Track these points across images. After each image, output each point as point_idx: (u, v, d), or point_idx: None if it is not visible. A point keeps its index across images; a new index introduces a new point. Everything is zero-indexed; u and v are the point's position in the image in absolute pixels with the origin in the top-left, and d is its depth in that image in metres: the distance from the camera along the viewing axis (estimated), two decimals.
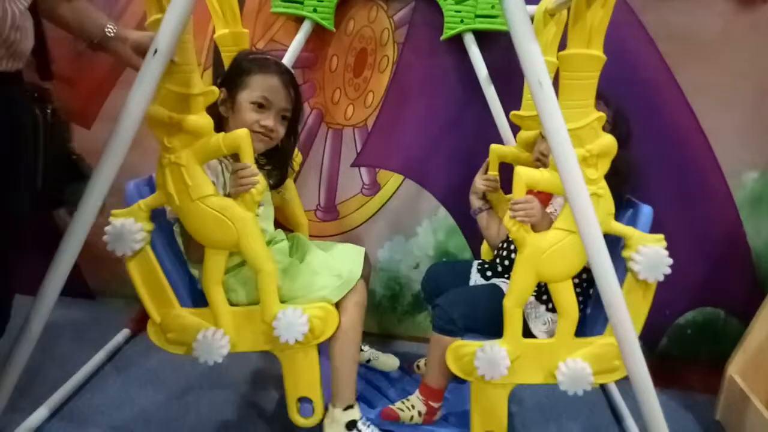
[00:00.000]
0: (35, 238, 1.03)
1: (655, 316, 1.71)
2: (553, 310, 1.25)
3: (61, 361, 1.63)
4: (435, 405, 1.34)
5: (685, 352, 1.78)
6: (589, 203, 0.87)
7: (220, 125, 1.19)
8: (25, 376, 1.15)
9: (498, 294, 1.25)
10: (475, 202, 1.49)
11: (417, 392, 1.36)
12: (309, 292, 1.23)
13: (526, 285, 1.12)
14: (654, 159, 1.63)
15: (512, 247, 1.38)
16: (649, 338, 1.75)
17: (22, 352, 1.07)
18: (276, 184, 1.37)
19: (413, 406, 1.35)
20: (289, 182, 1.48)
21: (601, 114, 1.02)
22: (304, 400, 1.28)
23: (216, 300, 1.17)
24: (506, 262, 1.38)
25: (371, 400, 1.46)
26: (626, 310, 0.94)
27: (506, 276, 1.36)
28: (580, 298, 1.19)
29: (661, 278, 1.10)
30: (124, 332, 1.80)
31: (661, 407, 1.04)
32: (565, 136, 0.83)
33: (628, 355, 0.96)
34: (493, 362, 1.15)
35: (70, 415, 1.46)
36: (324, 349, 1.28)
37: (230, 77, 1.25)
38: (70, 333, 1.78)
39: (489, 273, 1.41)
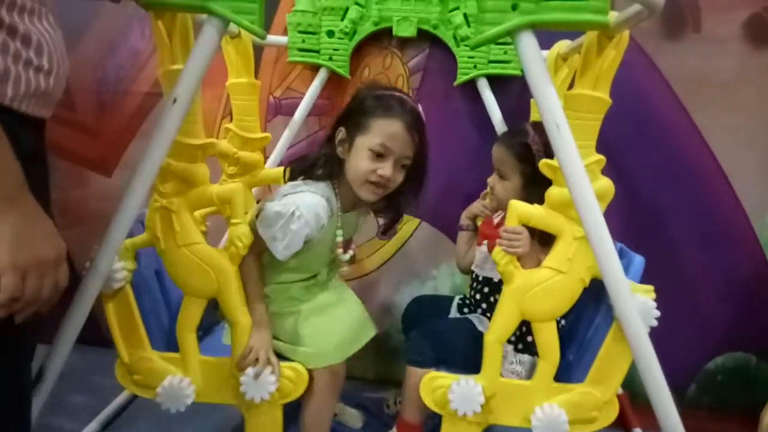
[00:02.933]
0: None
1: (685, 362, 1.67)
2: (522, 350, 1.24)
3: (74, 411, 1.61)
4: None
5: (715, 400, 1.71)
6: (612, 248, 0.84)
7: (337, 164, 1.18)
8: (37, 426, 1.13)
9: (469, 329, 1.26)
10: (464, 219, 1.48)
11: (394, 429, 1.32)
12: (294, 343, 1.18)
13: (510, 321, 1.09)
14: (676, 202, 1.61)
15: (482, 279, 1.36)
16: (677, 385, 1.68)
17: (35, 402, 1.05)
18: (383, 230, 1.30)
19: None
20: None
21: (601, 157, 1.01)
22: None
23: (187, 347, 1.16)
24: (477, 296, 1.36)
25: None
26: (655, 359, 0.90)
27: (479, 311, 1.35)
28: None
29: (647, 329, 1.04)
30: None
31: None
32: (585, 180, 0.82)
33: (658, 403, 0.91)
34: (467, 397, 1.10)
35: None
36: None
37: (351, 116, 1.17)
38: (84, 382, 1.76)
39: (465, 309, 1.38)
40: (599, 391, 1.09)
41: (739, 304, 1.65)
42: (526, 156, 1.23)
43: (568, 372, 1.17)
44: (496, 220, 1.35)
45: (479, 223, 1.47)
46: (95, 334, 1.92)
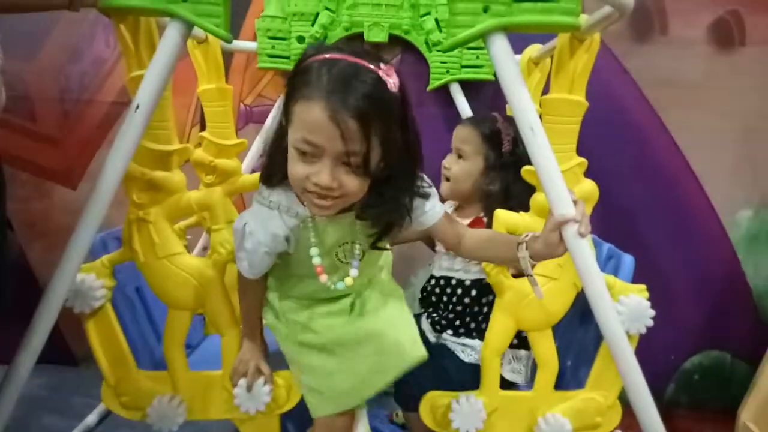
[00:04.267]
0: (12, 303, 0.98)
1: (662, 362, 1.69)
2: (517, 346, 1.20)
3: None
4: None
5: (693, 398, 1.73)
6: (589, 252, 0.83)
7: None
8: None
9: (448, 356, 1.22)
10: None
11: None
12: (299, 374, 1.04)
13: (505, 333, 1.08)
14: (647, 202, 1.63)
15: (434, 282, 1.31)
16: (656, 385, 1.69)
17: None
18: (372, 244, 0.97)
19: None
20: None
21: (582, 160, 1.01)
22: None
23: (175, 363, 1.11)
24: (432, 298, 1.30)
25: None
26: (635, 360, 0.89)
27: (448, 332, 1.26)
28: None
29: (644, 330, 1.04)
30: None
31: None
32: (560, 183, 0.81)
33: (639, 405, 0.91)
34: (468, 415, 1.08)
35: None
36: None
37: (285, 99, 0.85)
38: (52, 403, 1.70)
39: (438, 327, 1.29)
40: (602, 396, 1.09)
41: (711, 303, 1.67)
42: (492, 140, 1.22)
43: (566, 379, 1.16)
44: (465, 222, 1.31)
45: None
46: (61, 353, 1.88)
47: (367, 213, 0.91)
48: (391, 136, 0.81)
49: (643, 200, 1.63)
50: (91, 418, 1.61)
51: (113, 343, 1.11)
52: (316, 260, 0.93)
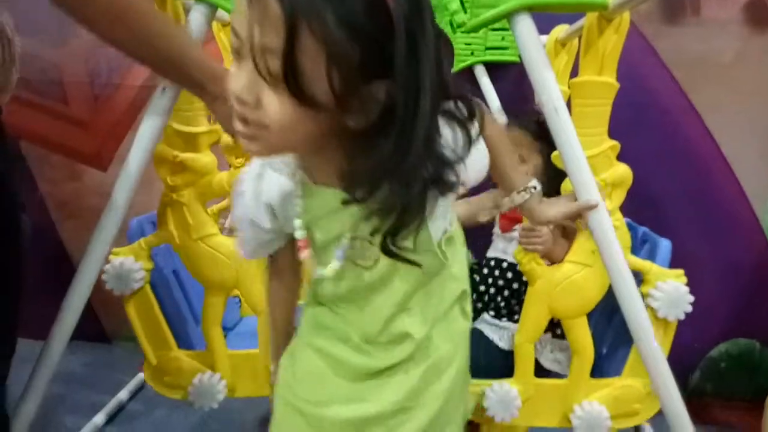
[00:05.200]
0: (46, 280, 1.01)
1: (686, 351, 1.67)
2: (561, 336, 1.19)
3: (74, 408, 1.59)
4: None
5: (720, 386, 1.71)
6: (612, 232, 0.83)
7: None
8: (36, 424, 1.12)
9: (481, 344, 1.22)
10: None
11: None
12: None
13: (539, 320, 1.07)
14: (675, 186, 1.60)
15: (483, 262, 1.32)
16: (680, 373, 1.68)
17: (31, 400, 1.04)
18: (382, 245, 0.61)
19: None
20: None
21: (615, 143, 0.99)
22: None
23: (214, 342, 1.15)
24: (477, 277, 1.30)
25: None
26: (656, 344, 0.88)
27: (490, 312, 1.28)
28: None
29: (682, 316, 1.04)
30: (140, 377, 1.77)
31: None
32: (584, 164, 0.80)
33: (663, 392, 0.90)
34: (503, 403, 1.09)
35: None
36: None
37: None
38: (84, 379, 1.76)
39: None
40: (640, 383, 1.07)
41: (741, 290, 1.64)
42: (542, 133, 1.18)
43: (602, 366, 1.16)
44: None
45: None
46: (94, 331, 1.94)
47: (346, 186, 0.59)
48: (352, 45, 0.50)
49: (672, 184, 1.60)
50: (123, 394, 1.67)
51: (153, 323, 1.15)
52: (299, 233, 0.68)
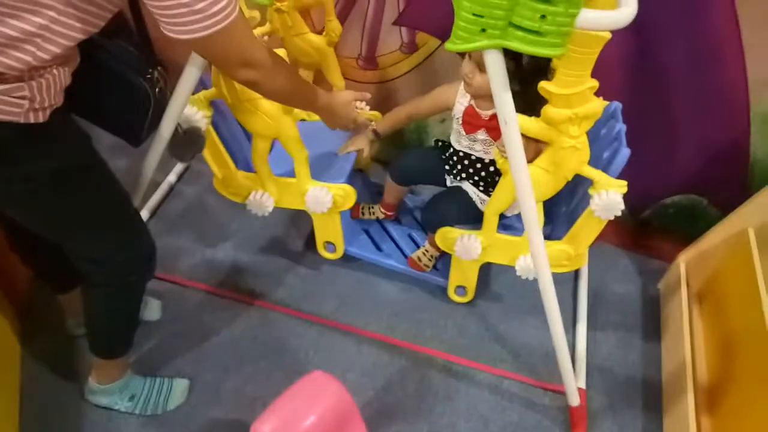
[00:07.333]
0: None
1: (644, 197, 1.94)
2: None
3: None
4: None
5: (662, 224, 2.03)
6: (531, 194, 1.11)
7: None
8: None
9: (464, 197, 1.63)
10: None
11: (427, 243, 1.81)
12: None
13: (505, 200, 1.44)
14: (683, 61, 1.64)
15: (461, 153, 1.61)
16: (634, 208, 2.00)
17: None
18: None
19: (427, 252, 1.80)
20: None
21: (594, 83, 1.14)
22: (329, 244, 1.74)
23: (262, 172, 1.57)
24: (458, 166, 1.64)
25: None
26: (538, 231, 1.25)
27: (465, 177, 1.65)
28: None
29: (612, 217, 1.36)
30: None
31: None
32: (524, 168, 1.03)
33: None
34: (468, 248, 1.55)
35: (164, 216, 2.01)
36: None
37: None
38: None
39: (458, 178, 1.67)
40: (572, 249, 1.49)
41: (709, 158, 1.81)
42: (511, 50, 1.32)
43: (551, 233, 1.60)
44: (486, 115, 1.50)
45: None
46: None
47: None
48: None
49: (682, 59, 1.64)
50: (172, 177, 2.18)
51: (216, 150, 1.55)
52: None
